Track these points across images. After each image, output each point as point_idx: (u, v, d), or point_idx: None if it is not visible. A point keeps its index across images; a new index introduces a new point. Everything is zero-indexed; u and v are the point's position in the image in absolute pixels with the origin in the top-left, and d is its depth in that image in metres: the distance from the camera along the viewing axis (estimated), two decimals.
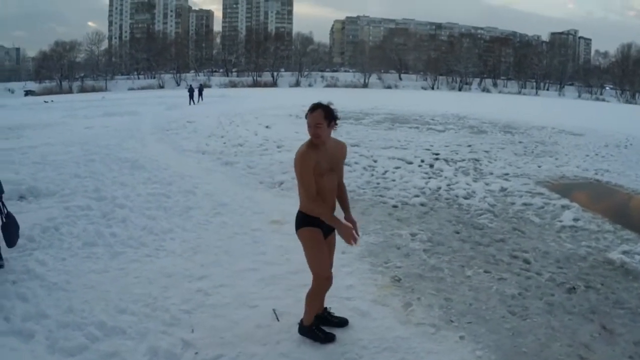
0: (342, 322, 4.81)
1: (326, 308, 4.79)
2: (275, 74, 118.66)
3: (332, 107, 4.08)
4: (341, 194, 4.55)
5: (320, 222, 4.15)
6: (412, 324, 4.90)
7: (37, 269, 6.02)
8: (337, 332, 4.63)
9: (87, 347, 4.40)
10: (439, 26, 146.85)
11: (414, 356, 4.33)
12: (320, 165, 4.05)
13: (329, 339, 4.53)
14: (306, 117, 4.05)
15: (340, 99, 43.96)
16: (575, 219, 8.54)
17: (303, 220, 4.21)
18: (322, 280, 4.32)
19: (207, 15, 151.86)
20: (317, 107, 4.03)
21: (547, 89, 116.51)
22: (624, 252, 6.94)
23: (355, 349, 4.42)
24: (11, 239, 6.19)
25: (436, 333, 4.72)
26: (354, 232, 4.02)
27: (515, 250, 7.05)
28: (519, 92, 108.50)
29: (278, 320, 4.92)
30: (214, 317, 4.98)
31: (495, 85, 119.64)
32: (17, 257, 6.37)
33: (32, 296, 5.32)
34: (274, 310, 5.08)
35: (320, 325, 4.61)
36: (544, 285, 5.89)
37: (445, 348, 4.47)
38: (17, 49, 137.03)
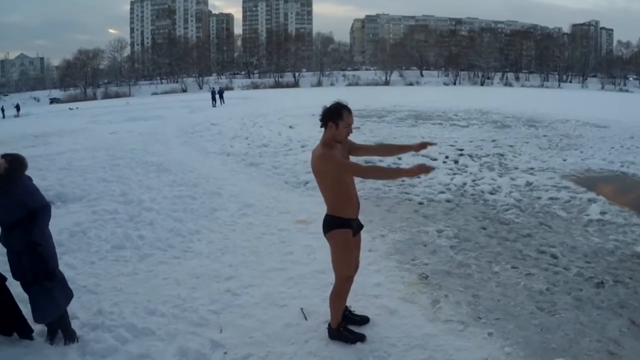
0: (364, 320, 4.81)
1: (347, 307, 4.74)
2: (296, 74, 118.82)
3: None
4: (384, 146, 4.62)
5: (351, 222, 4.25)
6: (440, 321, 4.87)
7: (66, 272, 5.95)
8: (365, 330, 4.62)
9: (117, 349, 4.45)
10: (459, 21, 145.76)
11: (443, 353, 4.30)
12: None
13: (359, 338, 4.50)
14: (338, 116, 4.07)
15: (362, 97, 44.08)
16: (602, 213, 8.42)
17: (334, 223, 4.23)
18: (345, 281, 4.38)
19: (227, 18, 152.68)
20: (349, 108, 4.14)
21: (570, 82, 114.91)
22: None
23: (383, 347, 4.40)
24: (47, 308, 4.35)
25: (464, 330, 4.69)
26: (424, 165, 3.92)
27: (542, 245, 6.96)
28: (542, 85, 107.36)
29: (306, 319, 4.92)
30: (242, 317, 5.00)
31: (517, 79, 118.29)
32: None
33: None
34: (302, 309, 5.09)
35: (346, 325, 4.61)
36: (572, 280, 5.81)
37: (474, 345, 4.44)
38: (42, 59, 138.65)
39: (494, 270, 6.13)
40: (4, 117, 51.83)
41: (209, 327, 4.82)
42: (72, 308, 5.09)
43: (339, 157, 4.08)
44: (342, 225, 4.21)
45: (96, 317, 4.99)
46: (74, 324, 4.78)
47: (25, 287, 4.33)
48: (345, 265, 4.33)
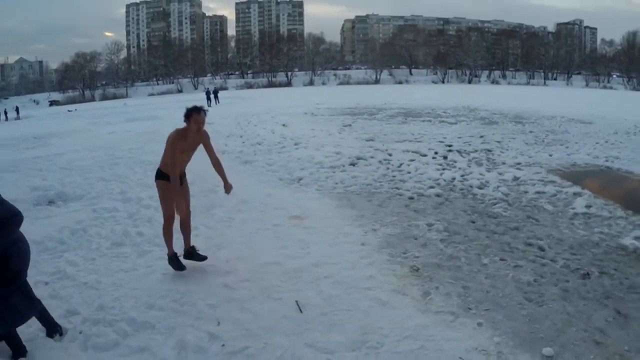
0: (203, 258, 6.12)
1: (193, 246, 6.17)
2: (289, 74, 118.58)
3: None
4: (217, 168, 6.17)
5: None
6: (431, 312, 4.90)
7: (67, 269, 6.15)
8: (359, 321, 4.68)
9: (118, 343, 4.47)
10: (446, 21, 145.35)
11: (434, 343, 4.33)
12: (184, 147, 5.64)
13: (180, 268, 5.89)
14: (190, 117, 5.65)
15: (353, 96, 44.07)
16: (588, 206, 8.45)
17: (158, 174, 5.77)
18: (167, 218, 5.81)
19: (221, 20, 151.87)
20: (201, 110, 5.76)
21: (555, 79, 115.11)
22: (636, 238, 6.86)
23: (376, 337, 4.43)
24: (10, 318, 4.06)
25: (455, 320, 4.72)
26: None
27: (529, 238, 6.99)
28: (528, 83, 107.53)
29: (301, 311, 4.94)
30: (239, 310, 5.01)
31: (504, 76, 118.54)
32: (49, 259, 6.50)
33: (64, 296, 5.43)
34: (297, 302, 5.11)
35: (184, 257, 6.05)
36: (558, 271, 5.84)
37: (464, 335, 4.46)
38: (40, 62, 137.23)
39: (483, 262, 6.15)
40: (7, 119, 52.06)
41: (206, 320, 4.84)
42: (74, 304, 5.20)
43: (175, 143, 5.51)
44: (164, 178, 5.67)
45: (98, 312, 5.01)
46: (76, 319, 4.84)
47: None
48: (165, 205, 5.79)
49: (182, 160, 5.73)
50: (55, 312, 4.84)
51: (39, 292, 4.86)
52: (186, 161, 5.90)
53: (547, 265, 6.04)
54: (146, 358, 4.31)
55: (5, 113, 54.63)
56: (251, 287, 5.54)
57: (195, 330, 4.63)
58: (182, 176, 5.92)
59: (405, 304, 5.06)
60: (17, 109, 59.37)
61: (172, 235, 5.90)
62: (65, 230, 7.63)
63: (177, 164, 5.56)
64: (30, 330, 4.53)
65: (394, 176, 11.06)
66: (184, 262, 6.01)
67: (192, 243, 6.65)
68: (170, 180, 5.54)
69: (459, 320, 4.73)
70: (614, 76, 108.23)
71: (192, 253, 6.13)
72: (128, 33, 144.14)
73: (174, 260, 5.91)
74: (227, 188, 6.20)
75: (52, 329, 4.57)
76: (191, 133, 5.66)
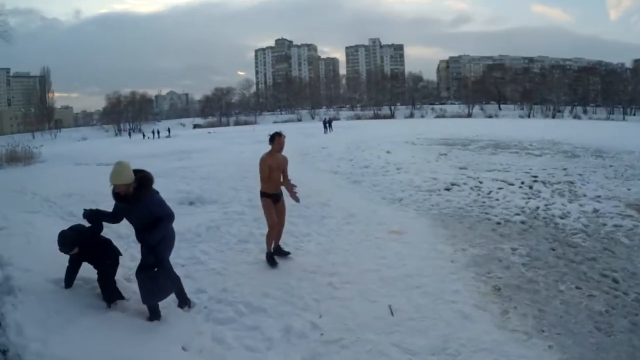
0: (287, 253, 6.74)
1: (280, 245, 6.80)
2: (392, 107, 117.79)
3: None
4: (286, 183, 6.58)
5: (270, 194, 6.44)
6: (507, 329, 4.74)
7: (200, 256, 6.73)
8: (442, 330, 4.66)
9: (235, 320, 4.86)
10: (531, 60, 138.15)
11: (506, 359, 4.20)
12: (272, 164, 6.35)
13: (273, 265, 6.36)
14: (273, 141, 6.48)
15: (448, 128, 43.21)
16: None
17: (261, 194, 6.48)
18: (271, 225, 6.44)
19: (334, 62, 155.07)
20: (282, 134, 6.61)
21: (634, 114, 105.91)
22: None
23: (455, 346, 4.39)
24: (152, 291, 4.60)
25: (528, 340, 4.54)
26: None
27: (605, 269, 6.49)
28: (608, 118, 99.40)
29: (392, 315, 4.95)
30: (339, 307, 5.12)
31: (585, 112, 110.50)
32: (186, 247, 7.04)
33: (196, 277, 5.95)
34: (389, 306, 5.11)
35: (274, 255, 6.54)
36: (629, 304, 5.41)
37: (535, 355, 4.28)
38: (186, 94, 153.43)
39: (560, 288, 5.82)
40: (159, 137, 57.54)
41: (310, 312, 5.02)
42: (203, 284, 5.71)
43: (264, 159, 6.36)
44: (264, 195, 6.44)
45: (221, 293, 5.46)
46: (203, 297, 5.34)
47: (136, 272, 4.65)
48: (267, 217, 6.46)
49: (272, 178, 6.39)
50: (187, 288, 5.24)
51: (177, 271, 5.26)
52: (277, 180, 6.48)
53: (619, 297, 5.60)
54: (256, 335, 4.60)
55: (158, 132, 61.26)
56: (351, 288, 5.62)
57: (300, 319, 4.83)
58: (280, 194, 6.59)
59: (484, 319, 4.94)
60: (168, 130, 66.70)
61: (273, 239, 6.57)
62: (201, 226, 8.21)
63: (267, 177, 6.35)
64: (166, 300, 4.89)
65: (483, 202, 10.68)
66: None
67: (305, 246, 6.99)
68: (261, 182, 6.45)
69: (532, 340, 4.54)
70: None
71: (279, 250, 6.75)
72: (256, 72, 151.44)
73: (270, 258, 6.47)
74: (294, 198, 6.64)
75: (184, 301, 5.05)
76: (275, 152, 6.42)
